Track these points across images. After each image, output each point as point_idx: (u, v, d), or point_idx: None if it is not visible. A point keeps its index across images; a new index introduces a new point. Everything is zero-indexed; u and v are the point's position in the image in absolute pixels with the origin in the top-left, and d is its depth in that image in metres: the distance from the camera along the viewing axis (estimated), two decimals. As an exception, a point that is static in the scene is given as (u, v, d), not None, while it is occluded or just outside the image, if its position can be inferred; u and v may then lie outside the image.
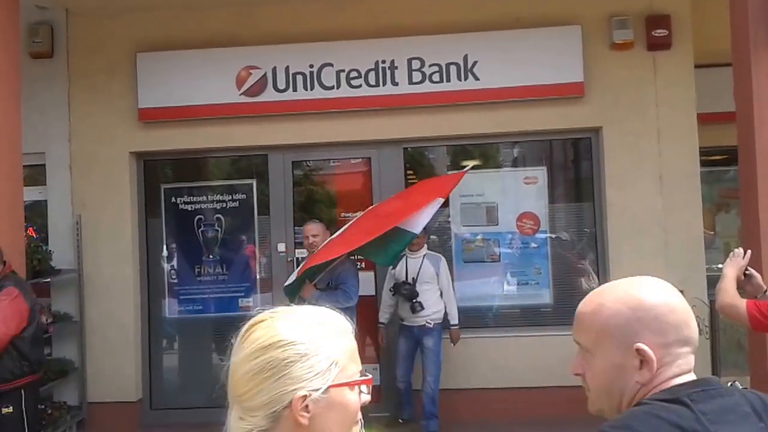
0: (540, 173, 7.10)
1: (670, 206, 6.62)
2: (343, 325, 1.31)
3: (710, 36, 6.42)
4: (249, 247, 7.23)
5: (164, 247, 7.27)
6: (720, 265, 3.75)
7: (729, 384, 1.85)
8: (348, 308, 5.34)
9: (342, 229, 5.90)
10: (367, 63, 6.80)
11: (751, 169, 4.81)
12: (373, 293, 6.78)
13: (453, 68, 6.74)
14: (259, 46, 6.86)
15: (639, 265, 5.79)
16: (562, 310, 6.88)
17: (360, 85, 6.80)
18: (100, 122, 6.99)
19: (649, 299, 1.35)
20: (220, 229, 7.21)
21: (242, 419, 1.23)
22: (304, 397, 1.21)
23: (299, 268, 5.88)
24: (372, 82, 6.80)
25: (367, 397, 1.29)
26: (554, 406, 6.39)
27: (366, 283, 6.46)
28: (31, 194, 6.72)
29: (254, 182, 7.24)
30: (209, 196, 7.25)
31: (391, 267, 6.26)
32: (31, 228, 6.80)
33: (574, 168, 7.34)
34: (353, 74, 6.81)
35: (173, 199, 7.26)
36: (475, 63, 6.73)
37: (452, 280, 6.40)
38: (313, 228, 6.03)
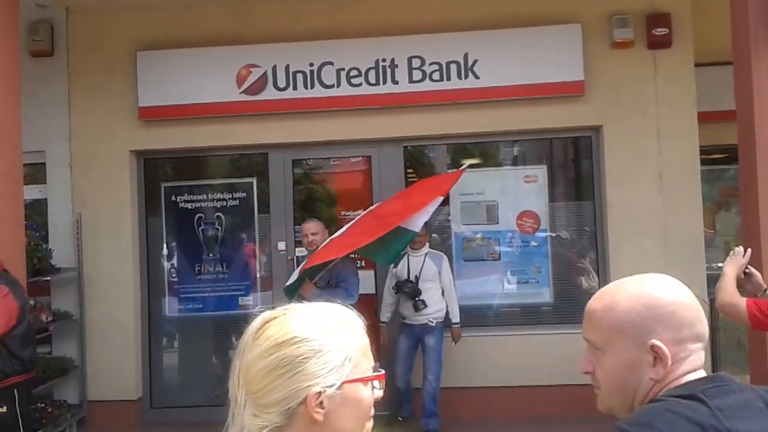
0: (540, 172, 7.11)
1: (671, 205, 6.63)
2: (355, 320, 1.32)
3: (710, 34, 6.43)
4: (249, 246, 7.23)
5: (164, 245, 7.27)
6: (720, 264, 3.75)
7: None
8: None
9: (343, 229, 5.89)
10: (367, 61, 6.80)
11: (752, 167, 4.82)
12: (373, 292, 6.79)
13: (453, 67, 6.75)
14: (260, 44, 6.86)
15: (639, 264, 5.75)
16: (562, 309, 6.91)
17: (360, 84, 6.80)
18: (100, 120, 6.98)
19: (663, 296, 1.35)
20: (220, 228, 7.21)
21: (257, 416, 1.23)
22: (319, 393, 1.21)
23: (299, 267, 5.88)
24: (372, 80, 6.80)
25: (380, 393, 1.29)
26: (555, 404, 6.41)
27: (366, 281, 6.46)
28: (31, 192, 6.71)
29: (254, 181, 7.24)
30: (209, 195, 7.25)
31: (392, 265, 6.27)
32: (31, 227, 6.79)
33: (574, 166, 7.35)
34: (353, 73, 6.81)
35: (173, 198, 7.26)
36: (475, 61, 6.73)
37: (453, 278, 6.41)
38: (312, 226, 6.03)
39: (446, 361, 6.31)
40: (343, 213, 7.07)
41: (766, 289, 3.49)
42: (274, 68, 6.83)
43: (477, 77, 6.73)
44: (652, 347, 1.32)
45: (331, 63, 6.81)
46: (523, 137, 7.09)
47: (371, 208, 6.20)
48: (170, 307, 7.22)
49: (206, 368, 7.18)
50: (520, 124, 6.80)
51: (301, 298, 5.61)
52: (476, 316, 6.90)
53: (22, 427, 4.38)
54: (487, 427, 6.41)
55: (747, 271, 3.49)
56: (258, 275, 7.20)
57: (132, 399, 6.92)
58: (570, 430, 6.07)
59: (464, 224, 7.09)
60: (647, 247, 6.55)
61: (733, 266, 3.45)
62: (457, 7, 6.80)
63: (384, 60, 6.78)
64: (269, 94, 6.84)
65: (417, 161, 7.32)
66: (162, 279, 7.23)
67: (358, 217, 6.10)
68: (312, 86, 6.83)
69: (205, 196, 7.25)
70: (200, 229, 7.20)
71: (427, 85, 6.75)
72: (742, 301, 3.34)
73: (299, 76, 6.83)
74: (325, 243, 5.79)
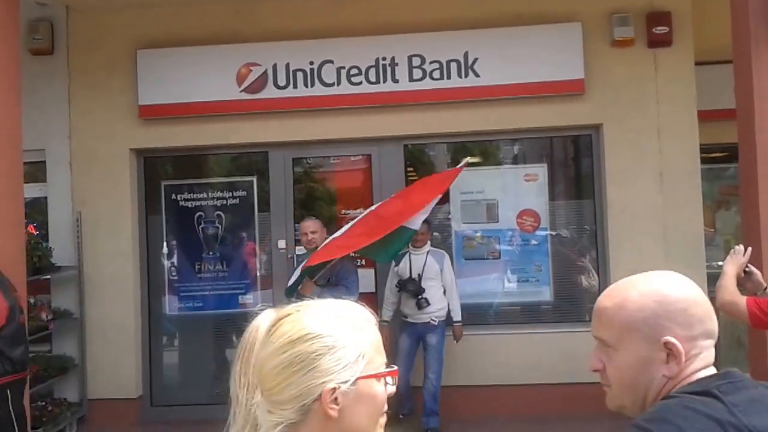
0: (540, 170, 7.11)
1: (671, 203, 6.63)
2: (367, 316, 1.32)
3: (711, 33, 6.44)
4: (249, 244, 7.23)
5: (164, 244, 7.27)
6: (720, 263, 3.76)
7: None
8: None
9: (343, 229, 5.87)
10: (367, 60, 6.79)
11: (752, 166, 4.82)
12: (374, 290, 6.78)
13: (453, 65, 6.75)
14: (260, 42, 6.86)
15: (639, 262, 5.77)
16: (562, 307, 6.92)
17: (360, 82, 6.80)
18: (100, 119, 6.98)
19: (674, 293, 1.35)
20: (220, 226, 7.20)
21: (271, 413, 1.23)
22: (334, 389, 1.22)
23: (299, 267, 5.87)
24: (372, 79, 6.79)
25: (392, 389, 1.30)
26: (555, 402, 6.42)
27: (366, 280, 6.47)
28: (32, 191, 6.70)
29: (254, 179, 7.24)
30: (209, 193, 7.25)
31: (393, 264, 6.27)
32: (31, 225, 6.78)
33: (574, 165, 7.35)
34: (353, 71, 6.80)
35: (173, 196, 7.25)
36: (475, 60, 6.73)
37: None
38: (311, 225, 6.02)
39: (447, 360, 6.31)
40: (343, 211, 7.07)
41: (766, 288, 3.50)
42: (275, 67, 6.83)
43: (477, 76, 6.73)
44: (666, 344, 1.32)
45: (331, 61, 6.80)
46: (524, 136, 7.09)
47: (372, 207, 6.19)
48: (170, 305, 7.22)
49: (206, 366, 7.18)
50: (521, 122, 6.80)
51: (301, 297, 5.60)
52: (476, 315, 6.90)
53: (17, 428, 4.36)
54: (487, 425, 6.42)
55: (747, 269, 3.50)
56: (258, 274, 7.20)
57: (132, 397, 6.91)
58: (570, 428, 6.09)
59: (464, 223, 7.09)
60: (647, 246, 6.56)
61: (733, 265, 3.46)
62: (457, 6, 6.80)
63: (384, 58, 6.78)
64: (269, 92, 6.84)
65: (417, 160, 7.33)
66: (162, 277, 7.23)
67: (359, 217, 6.10)
68: (312, 85, 6.82)
69: (205, 195, 7.24)
70: (200, 227, 7.20)
71: (428, 84, 6.75)
72: (742, 300, 3.35)
73: (299, 75, 6.83)
74: (325, 243, 5.79)
